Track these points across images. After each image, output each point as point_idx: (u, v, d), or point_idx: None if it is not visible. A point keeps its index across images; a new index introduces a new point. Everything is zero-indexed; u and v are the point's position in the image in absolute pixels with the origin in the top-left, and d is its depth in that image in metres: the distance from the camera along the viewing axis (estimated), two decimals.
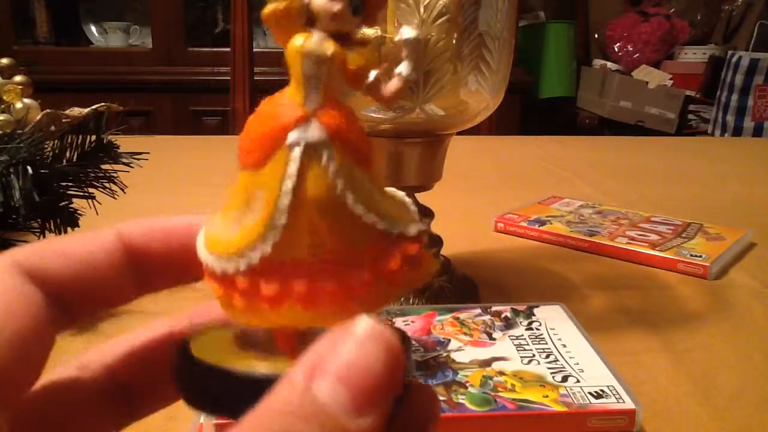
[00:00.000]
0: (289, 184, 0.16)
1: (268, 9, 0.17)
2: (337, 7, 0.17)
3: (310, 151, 0.17)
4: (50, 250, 0.18)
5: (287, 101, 0.17)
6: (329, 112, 0.17)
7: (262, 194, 0.17)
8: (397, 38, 0.19)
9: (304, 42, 0.17)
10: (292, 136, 0.17)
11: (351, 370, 0.14)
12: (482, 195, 0.83)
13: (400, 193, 0.19)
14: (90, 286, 0.18)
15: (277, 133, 0.17)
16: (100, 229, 0.19)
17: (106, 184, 0.51)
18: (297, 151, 0.16)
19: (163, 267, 0.19)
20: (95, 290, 0.18)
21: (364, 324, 0.15)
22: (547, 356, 0.38)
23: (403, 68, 0.19)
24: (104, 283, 0.18)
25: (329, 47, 0.17)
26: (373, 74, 0.18)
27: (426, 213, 0.49)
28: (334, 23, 0.17)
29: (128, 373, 0.19)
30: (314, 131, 0.17)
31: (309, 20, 0.17)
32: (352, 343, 0.14)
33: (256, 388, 0.15)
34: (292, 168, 0.16)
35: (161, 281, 0.20)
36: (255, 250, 0.17)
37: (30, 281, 0.17)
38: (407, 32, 0.19)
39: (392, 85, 0.19)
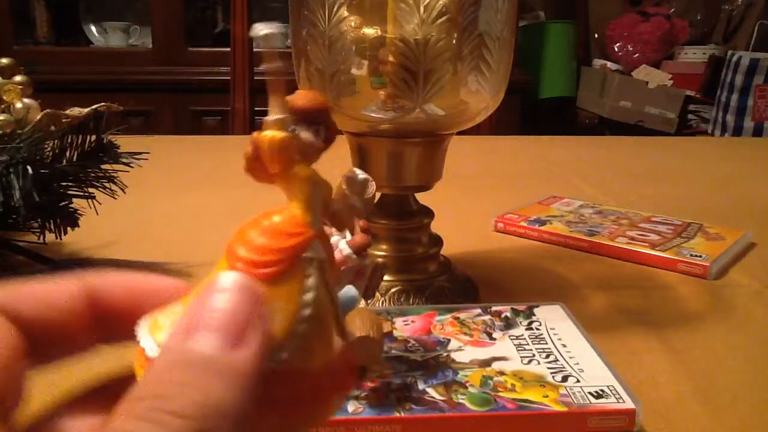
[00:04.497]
0: (310, 295, 0.18)
1: (274, 136, 0.19)
2: (319, 142, 0.20)
3: (319, 266, 0.18)
4: (22, 292, 0.19)
5: (298, 220, 0.19)
6: (323, 235, 0.19)
7: (279, 305, 0.18)
8: (348, 175, 0.21)
9: (312, 171, 0.19)
10: (309, 253, 0.18)
11: (218, 319, 0.16)
12: (482, 195, 0.83)
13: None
14: (53, 329, 0.19)
15: (297, 249, 0.18)
16: (67, 277, 0.20)
17: (106, 184, 0.51)
18: (313, 267, 0.18)
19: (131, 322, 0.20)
20: (57, 332, 0.19)
21: (224, 277, 0.17)
22: (547, 356, 0.38)
23: (357, 203, 0.22)
24: (65, 328, 0.19)
25: (321, 177, 0.19)
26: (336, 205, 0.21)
27: (426, 213, 0.49)
28: (316, 155, 0.20)
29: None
30: (321, 250, 0.18)
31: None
32: (216, 295, 0.17)
33: None
34: (312, 282, 0.18)
35: (127, 335, 0.20)
36: (271, 357, 0.17)
37: (7, 318, 0.18)
38: (360, 174, 0.22)
39: (349, 215, 0.22)
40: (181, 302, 0.18)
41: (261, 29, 0.19)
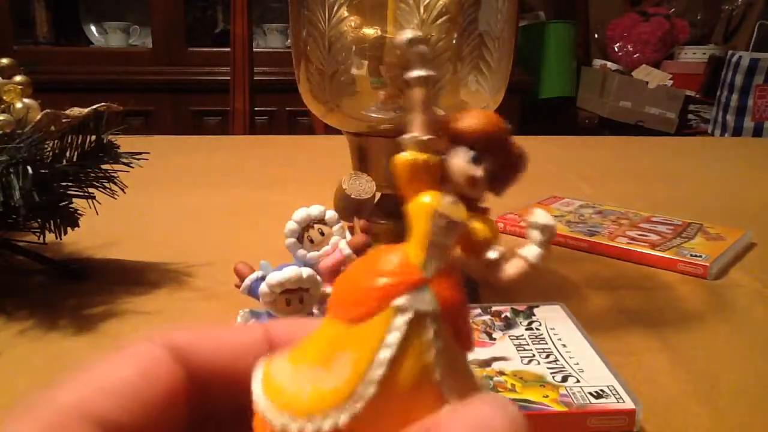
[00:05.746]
0: (387, 353, 0.15)
1: (405, 158, 0.16)
2: (478, 172, 0.16)
3: (417, 321, 0.15)
4: (202, 337, 0.18)
5: (404, 259, 0.16)
6: (445, 282, 0.15)
7: (351, 356, 0.15)
8: (530, 219, 0.17)
9: (436, 202, 0.16)
10: (403, 300, 0.15)
11: None
12: None
13: (479, 376, 0.18)
14: (233, 378, 0.18)
15: (387, 293, 0.15)
16: (251, 325, 0.19)
17: (106, 184, 0.51)
18: (404, 319, 0.15)
19: None
20: (238, 382, 0.18)
21: (487, 399, 0.15)
22: (547, 356, 0.38)
23: (530, 253, 0.17)
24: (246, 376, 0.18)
25: (463, 213, 0.16)
26: (495, 252, 0.17)
27: None
28: (470, 188, 0.16)
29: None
30: (427, 300, 0.15)
31: (441, 178, 0.16)
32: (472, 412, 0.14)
33: None
34: (394, 337, 0.15)
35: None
36: (328, 417, 0.14)
37: (176, 360, 0.17)
38: (543, 217, 0.17)
39: (516, 269, 0.17)
40: (289, 356, 0.16)
41: (407, 33, 0.17)
